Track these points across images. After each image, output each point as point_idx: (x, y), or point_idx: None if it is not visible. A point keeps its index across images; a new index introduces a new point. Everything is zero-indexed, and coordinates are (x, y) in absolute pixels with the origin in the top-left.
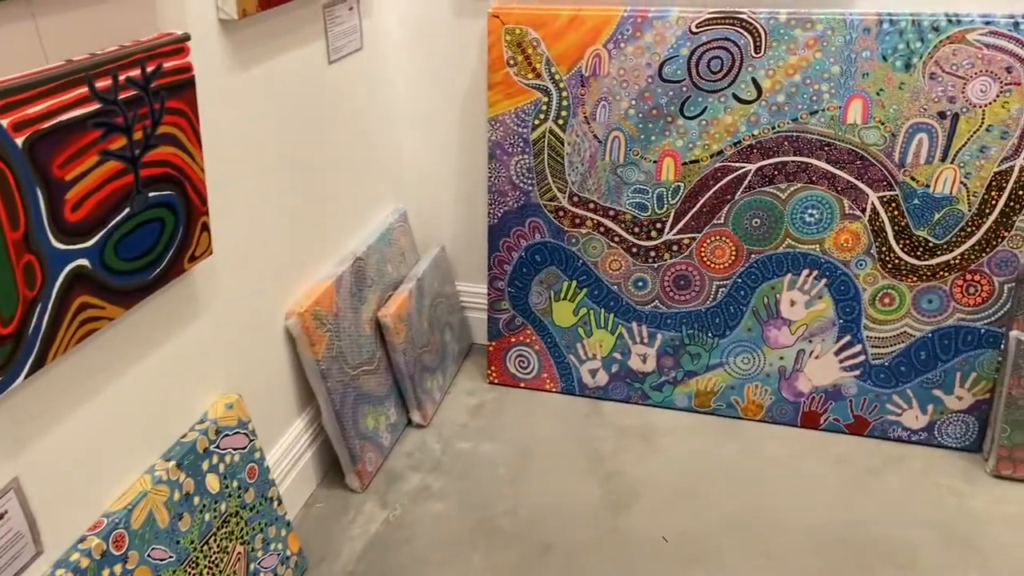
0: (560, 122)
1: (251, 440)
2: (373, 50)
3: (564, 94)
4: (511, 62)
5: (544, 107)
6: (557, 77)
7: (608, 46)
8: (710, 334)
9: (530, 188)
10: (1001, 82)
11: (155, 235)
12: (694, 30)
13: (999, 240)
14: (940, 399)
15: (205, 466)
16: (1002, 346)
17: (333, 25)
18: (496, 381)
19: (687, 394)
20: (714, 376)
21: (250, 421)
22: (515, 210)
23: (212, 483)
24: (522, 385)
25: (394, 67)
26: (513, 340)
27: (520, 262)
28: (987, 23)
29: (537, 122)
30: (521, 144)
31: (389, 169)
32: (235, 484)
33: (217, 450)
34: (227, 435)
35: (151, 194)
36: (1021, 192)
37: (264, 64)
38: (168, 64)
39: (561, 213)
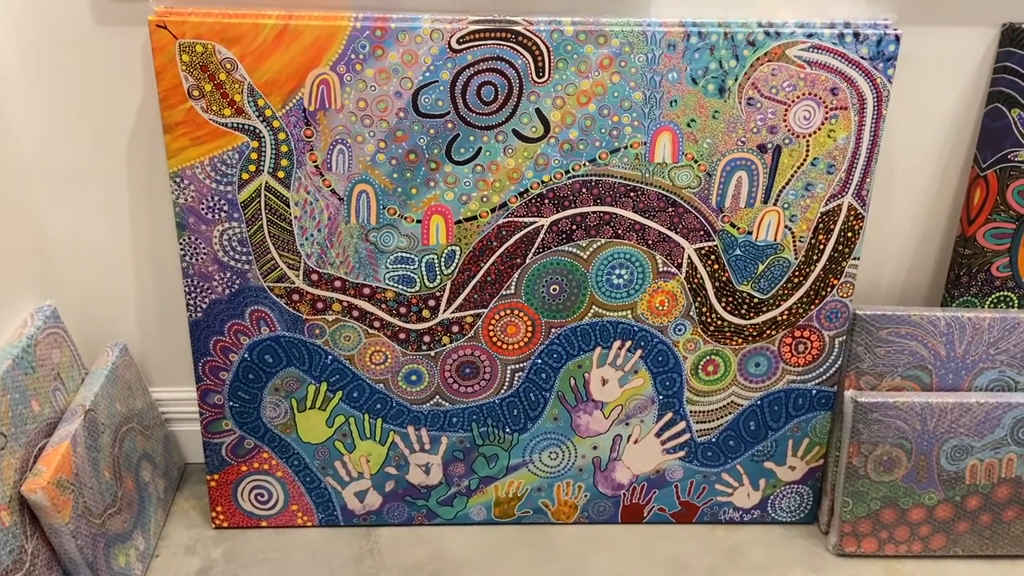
0: (281, 175)
1: None
2: None
3: (282, 136)
4: (195, 93)
5: (254, 155)
6: (268, 113)
7: (338, 69)
8: (508, 429)
9: (246, 267)
10: (826, 106)
11: None
12: (455, 46)
13: (828, 290)
14: (772, 472)
15: None
16: (834, 408)
17: None
18: (225, 525)
19: (484, 505)
20: (516, 479)
21: None
22: (227, 298)
23: None
24: (264, 524)
25: (6, 102)
26: (245, 468)
27: (243, 367)
28: (809, 35)
29: (246, 176)
30: (226, 207)
31: (19, 253)
32: None
33: None
34: None
35: None
36: (850, 234)
37: None
38: None
39: (296, 297)
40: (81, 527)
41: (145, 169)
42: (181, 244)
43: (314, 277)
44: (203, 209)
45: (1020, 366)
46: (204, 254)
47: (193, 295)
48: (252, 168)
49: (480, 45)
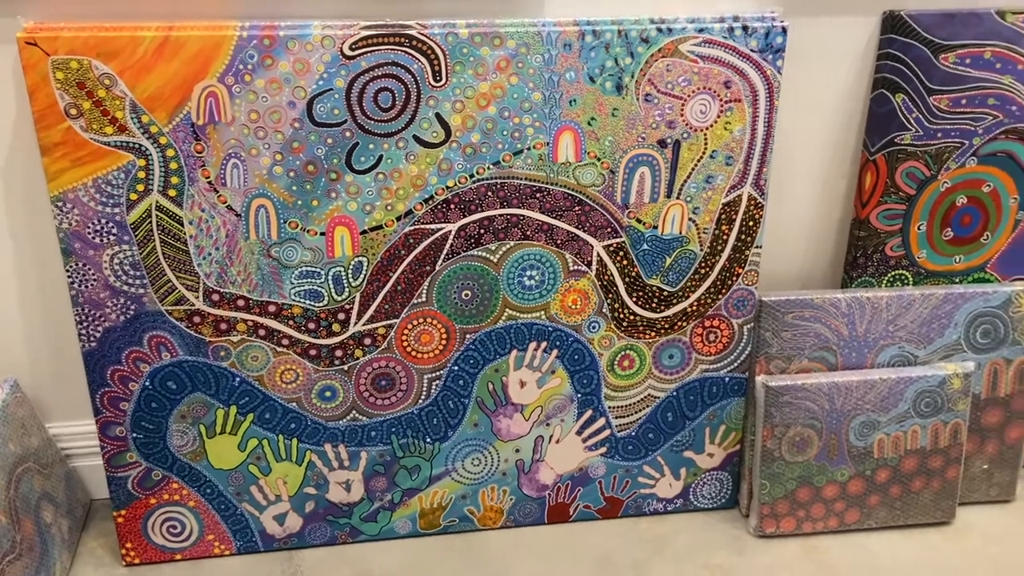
0: (172, 193)
1: None
2: None
3: (170, 153)
4: (72, 112)
5: (141, 174)
6: (154, 129)
7: (226, 80)
8: (428, 439)
9: (141, 291)
10: (721, 99)
11: None
12: (349, 53)
13: (734, 279)
14: (692, 460)
15: None
16: (747, 394)
17: None
18: (137, 561)
19: (409, 517)
20: (440, 488)
21: None
22: (122, 324)
23: None
24: (179, 557)
25: None
26: (154, 501)
27: (145, 395)
28: (700, 31)
29: (134, 196)
30: (114, 230)
31: None
32: None
33: None
34: None
35: None
36: (751, 223)
37: None
38: None
39: (197, 319)
40: None
41: (24, 194)
42: (68, 271)
43: (215, 297)
44: (90, 233)
45: (918, 341)
46: (94, 280)
47: (85, 324)
48: (140, 188)
49: (374, 51)
